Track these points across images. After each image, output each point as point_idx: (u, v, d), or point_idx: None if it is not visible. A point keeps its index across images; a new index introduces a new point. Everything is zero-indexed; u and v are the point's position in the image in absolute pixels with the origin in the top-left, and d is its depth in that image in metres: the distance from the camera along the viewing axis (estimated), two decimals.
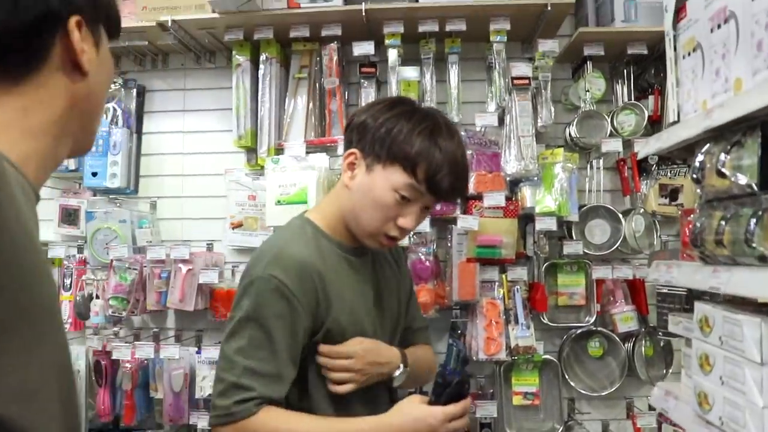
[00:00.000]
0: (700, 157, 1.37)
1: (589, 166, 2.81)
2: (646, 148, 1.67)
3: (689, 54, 1.56)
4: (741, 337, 1.21)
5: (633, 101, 2.71)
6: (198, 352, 2.66)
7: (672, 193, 2.72)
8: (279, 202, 2.61)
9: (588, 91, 2.66)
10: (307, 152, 2.72)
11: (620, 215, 2.70)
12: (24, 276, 0.62)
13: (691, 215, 1.61)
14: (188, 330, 2.91)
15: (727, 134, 1.31)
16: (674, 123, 1.63)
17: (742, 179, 1.23)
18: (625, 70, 2.76)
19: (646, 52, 2.60)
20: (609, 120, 2.67)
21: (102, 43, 0.84)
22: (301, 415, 1.41)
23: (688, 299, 2.56)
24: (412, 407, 1.44)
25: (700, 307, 1.39)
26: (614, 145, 2.60)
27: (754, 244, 1.16)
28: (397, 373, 1.57)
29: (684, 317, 1.64)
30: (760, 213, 1.16)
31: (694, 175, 1.38)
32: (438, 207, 2.48)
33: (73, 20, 0.77)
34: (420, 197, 1.44)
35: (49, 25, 0.74)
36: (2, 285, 0.59)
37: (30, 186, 0.73)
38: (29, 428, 0.63)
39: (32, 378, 0.64)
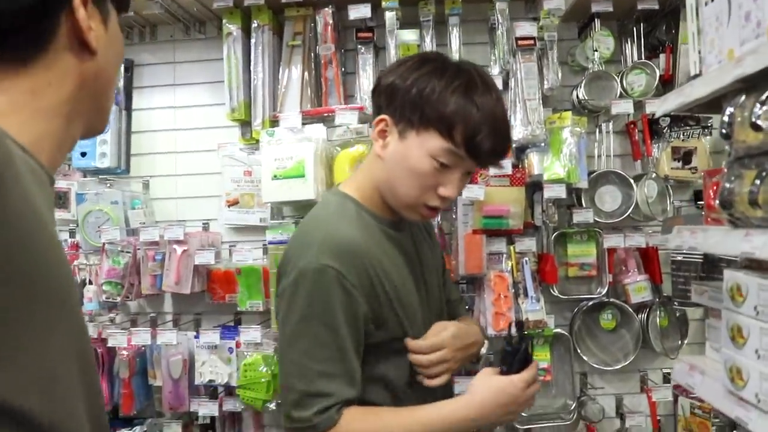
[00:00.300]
0: (729, 110, 1.25)
1: (597, 130, 2.69)
2: (666, 104, 1.54)
3: (712, 0, 1.44)
4: None
5: (643, 60, 2.57)
6: (196, 337, 2.57)
7: (685, 156, 2.60)
8: (275, 176, 2.49)
9: (596, 50, 2.52)
10: (303, 123, 2.59)
11: (632, 181, 2.58)
12: (33, 259, 0.61)
13: (716, 176, 1.49)
14: (186, 314, 2.81)
15: (760, 84, 1.19)
16: (696, 76, 1.51)
17: None
18: (634, 28, 2.61)
19: (657, 6, 2.46)
20: (618, 81, 2.54)
21: (110, 19, 0.82)
22: (383, 410, 1.33)
23: (704, 266, 2.47)
24: (491, 380, 1.37)
25: (731, 275, 1.28)
26: (625, 107, 2.47)
27: None
28: (483, 350, 1.56)
29: (708, 286, 1.53)
30: None
31: (723, 130, 1.26)
32: None
33: None
34: (460, 162, 1.33)
35: (54, 4, 0.72)
36: (9, 269, 0.57)
37: (42, 168, 0.71)
38: (54, 420, 0.62)
39: (50, 366, 0.63)
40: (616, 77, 2.54)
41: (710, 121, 2.62)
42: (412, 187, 1.33)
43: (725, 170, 1.32)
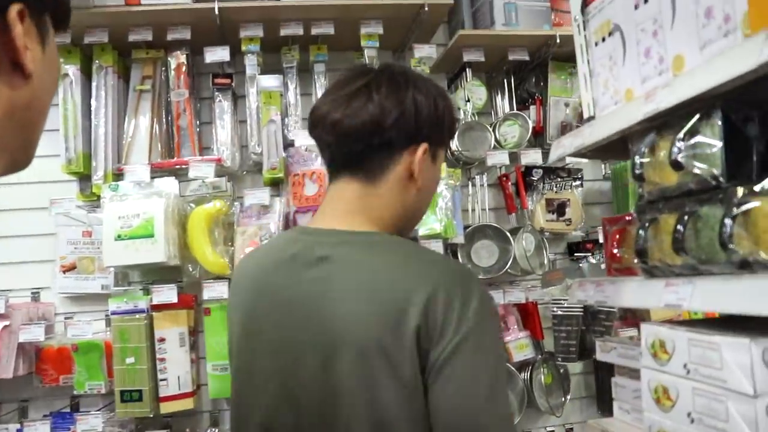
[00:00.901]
0: (642, 150, 1.15)
1: (470, 183, 2.61)
2: (561, 149, 1.44)
3: (603, 40, 1.36)
4: (719, 364, 0.98)
5: (515, 111, 2.54)
6: (20, 430, 2.14)
7: (559, 208, 2.57)
8: (119, 237, 2.17)
9: (468, 100, 2.45)
10: (153, 177, 2.32)
11: (509, 234, 2.50)
12: None
13: (617, 223, 1.40)
14: (8, 402, 2.36)
15: (671, 121, 1.10)
16: (590, 119, 1.43)
17: (706, 170, 1.01)
18: (504, 80, 2.60)
19: (527, 58, 2.45)
20: (492, 131, 2.48)
21: (48, 38, 0.71)
22: None
23: (584, 320, 2.42)
24: None
25: (652, 330, 1.15)
26: (500, 158, 2.41)
27: (732, 247, 0.93)
28: None
29: (615, 342, 1.42)
30: (734, 209, 0.94)
31: (636, 171, 1.15)
32: None
33: (15, 9, 0.63)
34: None
35: None
36: None
37: None
38: None
39: None
40: (489, 128, 2.48)
41: (581, 172, 2.63)
42: (430, 200, 1.32)
43: (635, 215, 1.21)
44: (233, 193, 2.44)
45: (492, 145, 2.46)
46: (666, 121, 1.12)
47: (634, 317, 2.44)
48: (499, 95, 2.62)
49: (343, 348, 1.03)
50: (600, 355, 1.46)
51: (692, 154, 1.04)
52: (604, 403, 2.57)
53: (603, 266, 2.44)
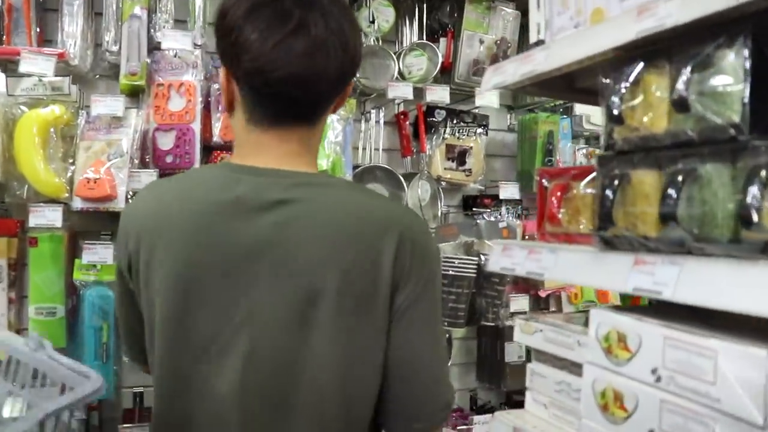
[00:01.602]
0: (624, 83, 0.87)
1: (364, 118, 2.30)
2: (498, 77, 1.14)
3: None
4: (712, 377, 0.74)
5: (424, 41, 2.24)
6: None
7: (459, 156, 2.32)
8: None
9: (373, 21, 2.12)
10: None
11: (402, 179, 2.23)
12: None
13: (561, 177, 1.13)
14: None
15: (673, 47, 0.83)
16: (538, 43, 1.14)
17: (721, 115, 0.74)
18: (416, 5, 2.29)
19: None
20: (396, 61, 2.17)
21: None
22: None
23: (477, 281, 2.21)
24: None
25: (608, 318, 0.90)
26: (403, 91, 2.13)
27: (759, 222, 0.68)
28: None
29: (545, 323, 1.16)
30: (763, 173, 0.69)
31: (614, 111, 0.87)
32: None
33: None
34: None
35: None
36: None
37: None
38: None
39: None
40: (393, 56, 2.16)
41: (486, 119, 2.39)
42: None
43: (597, 168, 0.94)
44: (80, 99, 2.02)
45: (395, 76, 2.16)
46: (658, 49, 0.84)
47: (525, 283, 2.27)
48: (408, 23, 2.31)
49: (321, 298, 0.97)
50: (520, 337, 1.20)
51: (699, 92, 0.77)
52: (483, 373, 2.41)
53: (500, 225, 2.26)
